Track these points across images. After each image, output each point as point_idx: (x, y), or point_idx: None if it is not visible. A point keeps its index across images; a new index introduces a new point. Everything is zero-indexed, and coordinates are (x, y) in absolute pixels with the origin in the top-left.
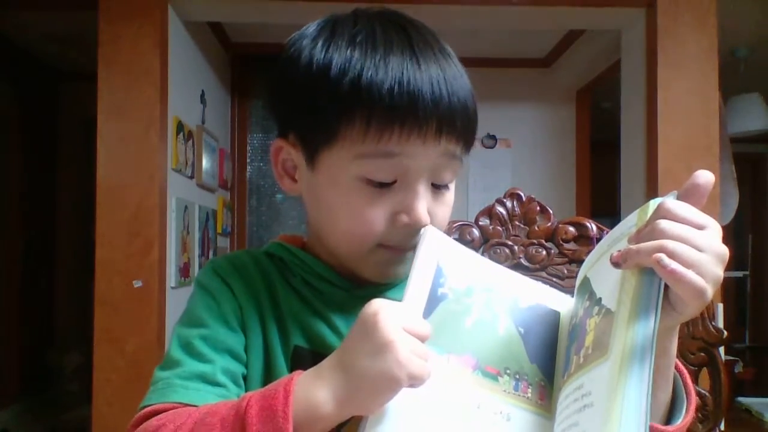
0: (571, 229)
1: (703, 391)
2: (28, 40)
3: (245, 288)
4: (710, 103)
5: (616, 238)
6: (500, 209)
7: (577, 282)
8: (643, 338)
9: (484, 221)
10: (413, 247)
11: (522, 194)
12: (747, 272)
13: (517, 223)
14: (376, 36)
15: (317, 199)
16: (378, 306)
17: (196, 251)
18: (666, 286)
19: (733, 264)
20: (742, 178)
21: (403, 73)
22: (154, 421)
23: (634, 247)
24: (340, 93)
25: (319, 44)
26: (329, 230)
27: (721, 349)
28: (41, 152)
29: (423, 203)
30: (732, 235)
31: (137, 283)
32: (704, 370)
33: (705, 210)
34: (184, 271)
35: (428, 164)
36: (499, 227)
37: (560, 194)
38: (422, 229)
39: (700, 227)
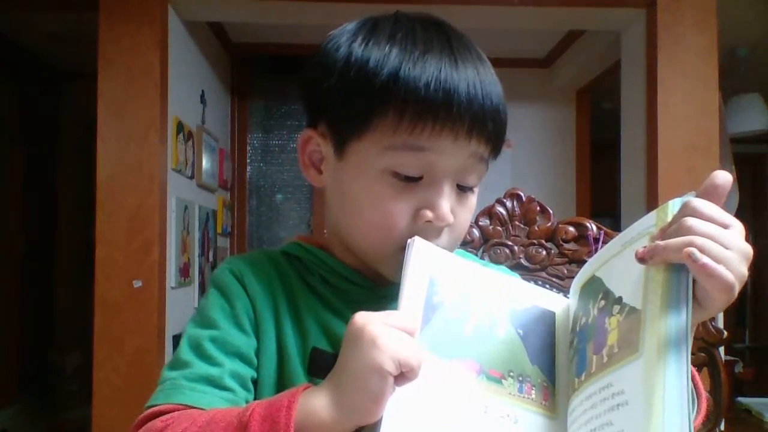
0: (571, 229)
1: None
2: (28, 40)
3: (261, 289)
4: (710, 103)
5: (632, 239)
6: (500, 209)
7: (580, 282)
8: (677, 331)
9: (484, 221)
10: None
11: (522, 194)
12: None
13: (517, 223)
14: (416, 35)
15: (342, 190)
16: (358, 314)
17: (196, 251)
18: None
19: None
20: (742, 178)
21: (440, 71)
22: (158, 422)
23: (661, 243)
24: (377, 84)
25: (359, 39)
26: (351, 224)
27: (721, 349)
28: (41, 152)
29: (447, 202)
30: None
31: (137, 283)
32: (704, 370)
33: None
34: (184, 271)
35: (456, 163)
36: (499, 227)
37: (560, 194)
38: (408, 240)
39: (725, 226)
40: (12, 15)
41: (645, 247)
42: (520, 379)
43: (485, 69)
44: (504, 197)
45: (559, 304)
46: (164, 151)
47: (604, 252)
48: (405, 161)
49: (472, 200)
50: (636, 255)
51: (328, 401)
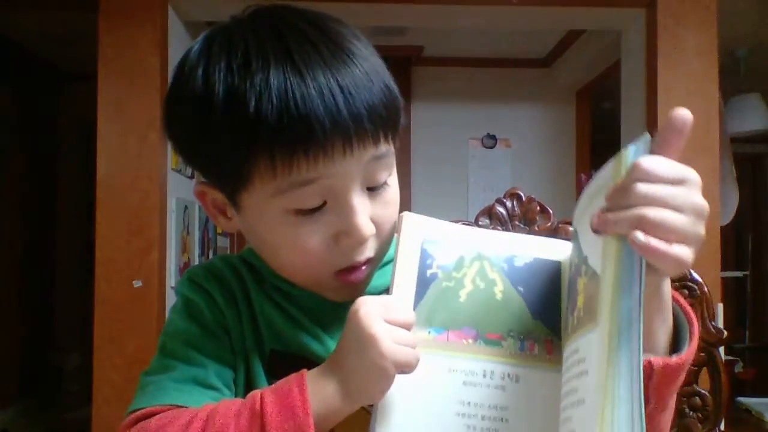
0: (572, 229)
1: (703, 391)
2: (28, 40)
3: (223, 295)
4: (710, 103)
5: (594, 193)
6: (500, 209)
7: (573, 229)
8: (629, 310)
9: (484, 221)
10: (369, 261)
11: (522, 194)
12: (747, 272)
13: (517, 223)
14: (250, 54)
15: (253, 235)
16: (360, 303)
17: (196, 251)
18: None
19: (733, 264)
20: (742, 178)
21: (288, 95)
22: (154, 421)
23: (611, 216)
24: (233, 134)
25: (198, 76)
26: (274, 264)
27: (721, 349)
28: (41, 152)
29: (362, 216)
30: (732, 235)
31: (137, 283)
32: (704, 370)
33: None
34: (184, 271)
35: (352, 177)
36: (499, 227)
37: (560, 194)
38: (399, 215)
39: (679, 182)
40: (12, 15)
41: (598, 214)
42: (521, 337)
43: (342, 63)
44: (504, 197)
45: (565, 251)
46: (164, 151)
47: (583, 200)
48: (299, 197)
49: (391, 192)
50: (591, 225)
51: (337, 389)
